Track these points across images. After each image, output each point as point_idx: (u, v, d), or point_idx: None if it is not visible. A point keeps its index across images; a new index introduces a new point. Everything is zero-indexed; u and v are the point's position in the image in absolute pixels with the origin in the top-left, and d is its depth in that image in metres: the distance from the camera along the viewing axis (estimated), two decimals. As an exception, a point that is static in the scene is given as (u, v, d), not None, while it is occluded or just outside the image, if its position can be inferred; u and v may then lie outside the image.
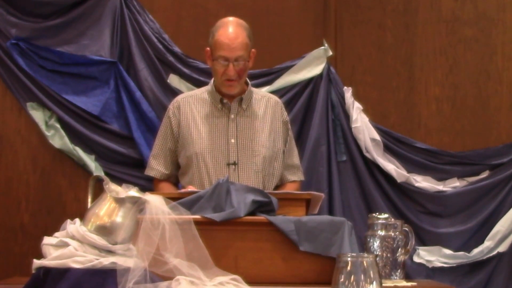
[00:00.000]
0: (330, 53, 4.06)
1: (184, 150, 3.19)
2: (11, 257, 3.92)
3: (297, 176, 3.35)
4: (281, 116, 3.31)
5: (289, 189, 3.23)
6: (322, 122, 4.01)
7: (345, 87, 4.06)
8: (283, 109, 3.35)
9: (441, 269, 3.99)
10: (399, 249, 2.59)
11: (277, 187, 3.27)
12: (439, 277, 3.93)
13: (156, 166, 3.27)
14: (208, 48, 3.21)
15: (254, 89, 3.34)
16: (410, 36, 4.16)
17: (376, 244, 2.59)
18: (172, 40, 4.03)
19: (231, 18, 3.23)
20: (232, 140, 3.17)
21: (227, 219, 2.39)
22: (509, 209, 4.02)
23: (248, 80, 3.28)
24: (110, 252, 2.17)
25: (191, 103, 3.25)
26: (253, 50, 3.21)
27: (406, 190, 4.04)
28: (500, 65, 4.16)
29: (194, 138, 3.16)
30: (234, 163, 3.14)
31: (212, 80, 3.28)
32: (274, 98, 3.37)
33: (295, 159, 3.37)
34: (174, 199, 2.37)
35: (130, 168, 3.94)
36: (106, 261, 2.12)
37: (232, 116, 3.20)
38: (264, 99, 3.30)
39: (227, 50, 3.12)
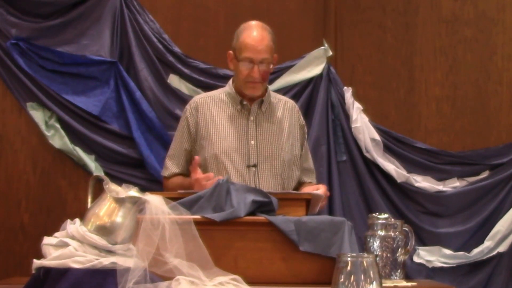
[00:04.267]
0: (330, 53, 4.06)
1: (202, 151, 3.17)
2: (11, 257, 3.92)
3: (312, 178, 3.35)
4: (298, 120, 3.31)
5: (308, 189, 3.17)
6: (322, 122, 4.02)
7: (345, 87, 4.07)
8: (299, 113, 3.36)
9: (441, 269, 3.99)
10: (399, 249, 2.60)
11: (295, 189, 3.25)
12: (439, 277, 3.93)
13: (171, 167, 3.24)
14: (230, 51, 3.21)
15: (272, 92, 3.34)
16: (410, 36, 4.16)
17: (376, 244, 2.59)
18: (172, 40, 4.03)
19: (255, 22, 3.23)
20: (252, 142, 3.16)
21: (227, 219, 2.40)
22: (509, 209, 4.02)
23: (267, 84, 3.28)
24: (110, 252, 2.17)
25: (209, 104, 3.23)
26: (275, 55, 3.21)
27: (406, 190, 4.04)
28: (500, 65, 4.16)
29: (214, 139, 3.14)
30: (254, 165, 3.13)
31: (230, 81, 3.27)
32: (291, 101, 3.38)
33: (311, 163, 3.38)
34: (174, 199, 2.37)
35: (130, 168, 3.94)
36: (106, 261, 2.12)
37: (252, 118, 3.19)
38: (281, 103, 3.30)
39: (253, 51, 3.12)
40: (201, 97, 3.30)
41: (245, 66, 3.13)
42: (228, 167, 3.11)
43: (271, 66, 3.20)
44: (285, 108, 3.29)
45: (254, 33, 3.16)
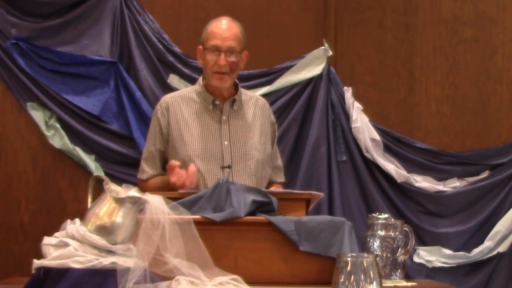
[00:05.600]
0: (330, 53, 4.06)
1: (175, 152, 3.11)
2: (11, 257, 3.92)
3: (281, 177, 3.33)
4: (269, 118, 3.28)
5: (276, 188, 3.17)
6: (322, 122, 4.01)
7: (345, 87, 4.06)
8: (270, 110, 3.32)
9: (441, 269, 3.99)
10: (399, 249, 2.60)
11: (266, 188, 3.23)
12: (439, 277, 3.93)
13: (148, 170, 3.19)
14: (200, 46, 3.18)
15: (242, 90, 3.28)
16: (410, 36, 4.16)
17: (376, 244, 2.59)
18: (172, 40, 4.03)
19: (224, 16, 3.22)
20: (226, 143, 3.12)
21: (227, 219, 2.39)
22: (509, 209, 4.02)
23: (237, 82, 3.24)
24: (110, 252, 2.17)
25: (180, 103, 3.18)
26: (245, 51, 3.18)
27: (406, 190, 4.04)
28: (500, 65, 4.16)
29: (186, 140, 3.10)
30: (228, 167, 3.09)
31: (200, 80, 3.23)
32: (262, 99, 3.34)
33: (280, 161, 3.35)
34: (174, 199, 2.37)
35: (130, 168, 3.94)
36: (106, 261, 2.12)
37: (224, 117, 3.15)
38: (252, 100, 3.26)
39: (220, 39, 3.09)
40: (171, 97, 3.24)
41: (212, 55, 3.10)
42: (202, 169, 3.06)
43: (241, 62, 3.16)
44: (256, 106, 3.25)
45: (221, 22, 3.15)
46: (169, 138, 3.15)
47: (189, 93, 3.23)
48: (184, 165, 2.99)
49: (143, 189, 3.13)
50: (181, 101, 3.19)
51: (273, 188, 3.17)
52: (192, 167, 2.91)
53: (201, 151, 3.09)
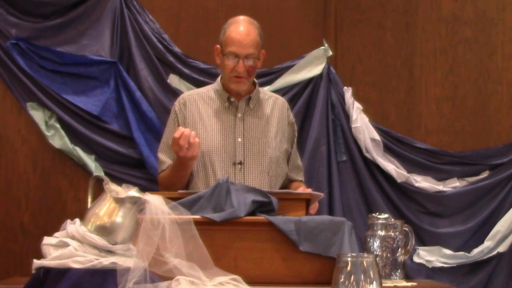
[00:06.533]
0: (330, 53, 4.06)
1: None
2: (11, 257, 3.92)
3: (301, 176, 3.35)
4: (287, 117, 3.30)
5: (297, 188, 3.18)
6: (322, 122, 4.02)
7: (345, 87, 4.07)
8: (289, 110, 3.34)
9: (441, 269, 3.99)
10: (399, 249, 2.59)
11: (283, 186, 3.25)
12: (439, 277, 3.93)
13: (165, 159, 3.18)
14: (217, 46, 3.20)
15: (261, 89, 3.32)
16: (410, 36, 4.16)
17: (376, 244, 2.59)
18: (172, 40, 4.03)
19: (242, 17, 3.22)
20: (239, 139, 3.14)
21: (227, 219, 2.39)
22: (509, 209, 4.02)
23: (255, 80, 3.27)
24: (110, 252, 2.17)
25: (197, 100, 3.22)
26: (263, 51, 3.20)
27: (406, 190, 4.05)
28: (500, 65, 4.16)
29: (201, 136, 3.11)
30: (240, 163, 3.12)
31: (219, 78, 3.26)
32: (281, 98, 3.36)
33: (299, 160, 3.38)
34: (174, 199, 2.37)
35: (130, 168, 3.95)
36: (106, 261, 2.12)
37: (240, 115, 3.18)
38: (271, 100, 3.28)
39: (238, 46, 3.11)
40: (189, 94, 3.29)
41: (230, 61, 3.11)
42: (215, 164, 3.09)
43: (259, 62, 3.19)
44: (275, 105, 3.27)
45: (240, 28, 3.15)
46: None
47: (207, 91, 3.27)
48: (198, 161, 3.06)
49: (161, 183, 3.15)
50: (199, 98, 3.23)
51: (296, 186, 3.20)
52: (194, 138, 2.90)
53: (214, 147, 3.12)
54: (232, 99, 3.19)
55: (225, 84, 3.21)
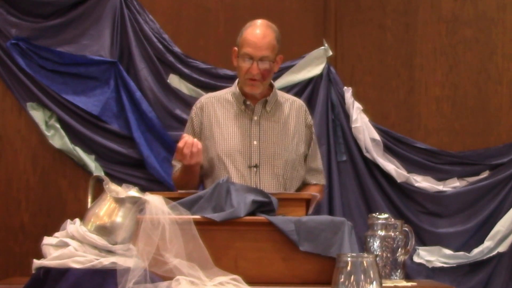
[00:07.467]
0: (330, 53, 4.06)
1: (205, 150, 3.13)
2: (11, 257, 3.92)
3: (318, 179, 3.30)
4: (305, 120, 3.27)
5: (311, 191, 3.14)
6: (322, 122, 4.02)
7: (345, 87, 4.07)
8: (307, 112, 3.30)
9: (441, 269, 3.99)
10: (399, 249, 2.59)
11: (298, 189, 3.23)
12: (439, 277, 3.93)
13: (176, 162, 3.17)
14: (235, 48, 3.19)
15: (279, 92, 3.30)
16: (410, 36, 4.16)
17: (376, 244, 2.59)
18: (172, 40, 4.03)
19: (260, 20, 3.19)
20: (255, 142, 3.14)
21: (227, 219, 2.39)
22: (509, 209, 4.02)
23: (273, 83, 3.26)
24: (110, 252, 2.17)
25: (214, 104, 3.21)
26: (280, 55, 3.18)
27: (406, 190, 4.05)
28: (500, 65, 4.16)
29: (217, 139, 3.13)
30: (256, 166, 3.11)
31: (236, 81, 3.25)
32: (299, 101, 3.33)
33: (318, 163, 3.33)
34: (174, 199, 2.37)
35: (130, 168, 3.95)
36: (106, 261, 2.12)
37: (256, 118, 3.17)
38: (288, 102, 3.26)
39: (253, 48, 3.09)
40: (207, 97, 3.29)
41: (245, 63, 3.11)
42: (230, 167, 3.09)
43: (275, 67, 3.18)
44: (292, 108, 3.25)
45: (257, 30, 3.14)
46: (201, 137, 3.17)
47: (225, 94, 3.26)
48: (214, 164, 3.09)
49: (175, 184, 3.16)
50: (216, 101, 3.23)
51: (309, 189, 3.18)
52: (197, 144, 2.91)
53: (229, 150, 3.12)
54: (248, 102, 3.18)
55: (241, 87, 3.21)
